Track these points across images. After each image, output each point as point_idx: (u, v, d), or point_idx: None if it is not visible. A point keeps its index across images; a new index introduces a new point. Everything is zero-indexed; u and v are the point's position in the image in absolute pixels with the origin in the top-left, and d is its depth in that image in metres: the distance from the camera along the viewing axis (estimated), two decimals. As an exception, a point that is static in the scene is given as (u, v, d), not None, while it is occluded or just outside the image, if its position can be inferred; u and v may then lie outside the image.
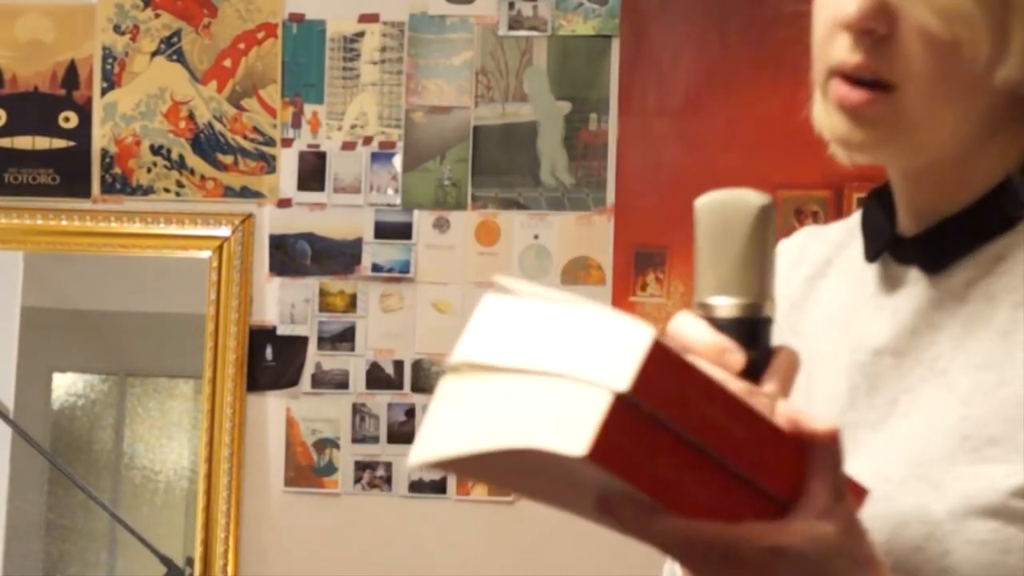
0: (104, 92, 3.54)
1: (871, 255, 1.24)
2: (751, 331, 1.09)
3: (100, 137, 3.53)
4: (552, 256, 3.42)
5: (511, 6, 3.47)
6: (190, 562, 3.42)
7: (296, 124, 3.51)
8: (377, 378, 3.45)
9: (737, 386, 1.04)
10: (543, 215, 3.44)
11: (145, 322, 3.69)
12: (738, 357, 1.06)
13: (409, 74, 3.49)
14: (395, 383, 3.44)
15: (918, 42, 1.14)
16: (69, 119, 3.54)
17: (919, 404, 1.18)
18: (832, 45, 1.16)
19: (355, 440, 3.43)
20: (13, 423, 3.49)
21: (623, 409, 0.96)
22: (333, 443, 3.44)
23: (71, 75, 3.54)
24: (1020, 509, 1.10)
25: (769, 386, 1.07)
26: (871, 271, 1.24)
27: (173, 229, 3.50)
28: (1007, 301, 1.17)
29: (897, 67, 1.14)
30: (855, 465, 1.08)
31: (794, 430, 1.02)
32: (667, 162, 3.40)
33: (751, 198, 1.09)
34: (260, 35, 3.52)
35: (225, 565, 3.41)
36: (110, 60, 3.54)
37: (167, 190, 3.52)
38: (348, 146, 3.50)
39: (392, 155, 3.49)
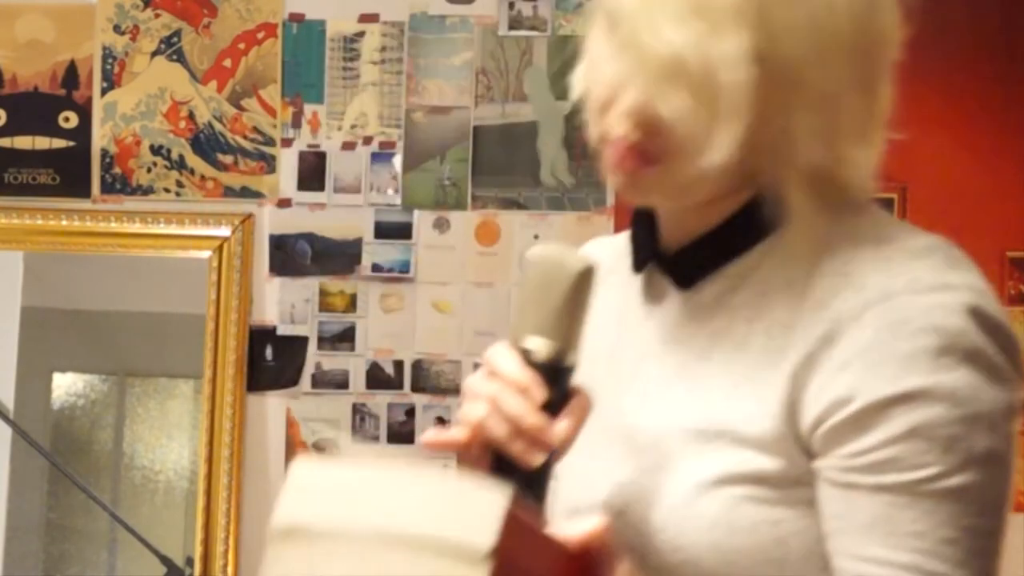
0: (104, 92, 3.54)
1: (637, 266, 1.39)
2: (555, 373, 1.24)
3: (100, 137, 3.53)
4: (552, 256, 3.42)
5: (511, 6, 3.47)
6: (190, 562, 3.42)
7: (296, 124, 3.51)
8: (377, 378, 3.45)
9: (535, 419, 1.22)
10: (543, 215, 3.44)
11: (145, 322, 3.69)
12: (541, 393, 1.23)
13: (409, 74, 3.49)
14: (395, 383, 3.44)
15: (677, 130, 1.27)
16: (69, 119, 3.54)
17: (662, 403, 1.34)
18: (605, 118, 1.30)
19: (355, 440, 3.43)
20: (13, 423, 3.49)
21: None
22: (333, 443, 3.44)
23: (71, 75, 3.55)
24: (737, 491, 1.26)
25: (563, 424, 1.23)
26: (638, 281, 1.40)
27: (173, 229, 3.50)
28: (742, 316, 1.31)
29: (664, 144, 1.27)
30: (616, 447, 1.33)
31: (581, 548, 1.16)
32: (667, 162, 3.40)
33: (574, 261, 1.26)
34: (260, 35, 3.52)
35: (225, 565, 3.41)
36: (110, 60, 3.54)
37: (167, 190, 3.52)
38: (348, 146, 3.50)
39: (392, 155, 3.49)
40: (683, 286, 1.35)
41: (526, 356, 1.25)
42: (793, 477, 1.25)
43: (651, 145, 1.28)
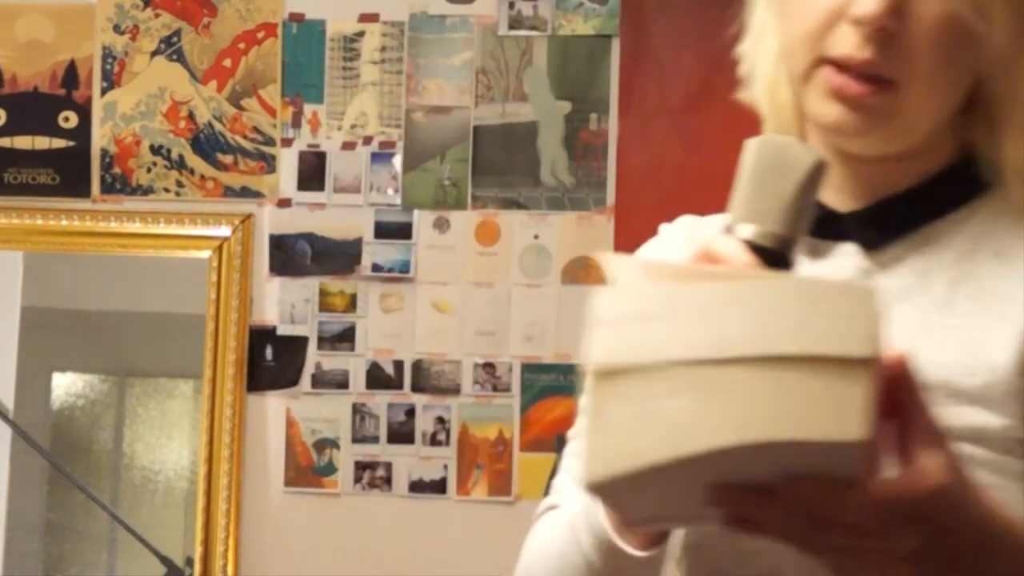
0: (104, 92, 3.54)
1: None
2: (780, 262, 1.11)
3: (100, 137, 3.53)
4: (552, 256, 3.42)
5: (511, 6, 3.47)
6: (190, 562, 3.42)
7: (296, 124, 3.50)
8: (377, 378, 3.44)
9: None
10: (543, 215, 3.44)
11: (145, 322, 3.68)
12: None
13: (409, 74, 3.49)
14: (395, 383, 3.44)
15: (927, 40, 1.18)
16: (69, 119, 3.54)
17: None
18: (830, 37, 1.19)
19: (355, 440, 3.43)
20: (13, 423, 3.49)
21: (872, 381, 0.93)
22: (333, 443, 3.43)
23: (71, 75, 3.54)
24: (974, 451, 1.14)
25: None
26: None
27: (173, 229, 3.50)
28: (943, 278, 1.22)
29: (902, 65, 1.18)
30: None
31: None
32: (667, 162, 3.40)
33: (810, 151, 1.13)
34: (260, 35, 3.52)
35: (225, 565, 3.41)
36: (110, 60, 3.54)
37: (167, 190, 3.52)
38: (348, 146, 3.50)
39: (392, 155, 3.48)
40: (871, 246, 1.25)
41: (750, 243, 1.11)
42: (1018, 439, 1.16)
43: (886, 66, 1.18)
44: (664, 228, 1.44)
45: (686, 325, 0.97)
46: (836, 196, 1.26)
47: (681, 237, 1.38)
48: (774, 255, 1.10)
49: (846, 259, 1.26)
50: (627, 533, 1.21)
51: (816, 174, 1.12)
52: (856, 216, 1.26)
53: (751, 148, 1.14)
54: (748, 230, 1.11)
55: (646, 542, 1.21)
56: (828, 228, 1.25)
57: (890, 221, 1.25)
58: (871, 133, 1.21)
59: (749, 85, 1.32)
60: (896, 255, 1.24)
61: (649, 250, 1.45)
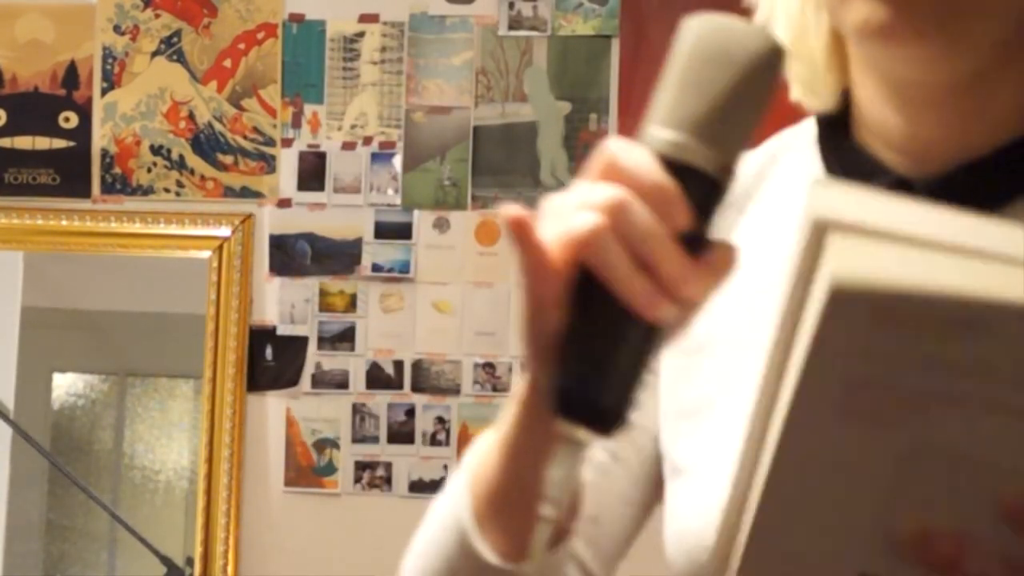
0: (104, 92, 3.54)
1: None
2: (706, 193, 0.84)
3: (100, 137, 3.53)
4: (552, 256, 3.42)
5: (511, 6, 3.47)
6: (190, 562, 3.42)
7: (296, 124, 3.51)
8: (377, 378, 3.45)
9: (673, 252, 0.82)
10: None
11: (145, 322, 3.69)
12: (684, 213, 0.83)
13: (409, 74, 3.49)
14: (395, 383, 3.44)
15: None
16: (69, 119, 3.54)
17: None
18: None
19: (355, 440, 3.43)
20: (13, 423, 3.49)
21: None
22: (333, 443, 3.44)
23: (71, 75, 3.54)
24: None
25: (698, 279, 0.84)
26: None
27: (173, 229, 3.50)
28: None
29: None
30: None
31: None
32: (667, 162, 3.40)
33: (759, 37, 0.86)
34: (260, 35, 3.52)
35: (225, 565, 3.41)
36: (110, 60, 3.54)
37: (167, 190, 3.52)
38: (348, 146, 3.50)
39: (392, 155, 3.49)
40: None
41: (665, 157, 0.85)
42: None
43: None
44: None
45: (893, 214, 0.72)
46: (899, 158, 1.03)
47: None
48: (697, 176, 0.84)
49: None
50: (492, 528, 1.00)
51: (765, 68, 0.85)
52: (929, 184, 0.99)
53: (684, 28, 0.87)
54: (662, 136, 0.86)
55: (514, 549, 0.98)
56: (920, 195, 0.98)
57: (972, 192, 0.97)
58: (912, 36, 0.96)
59: None
60: None
61: None
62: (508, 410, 0.95)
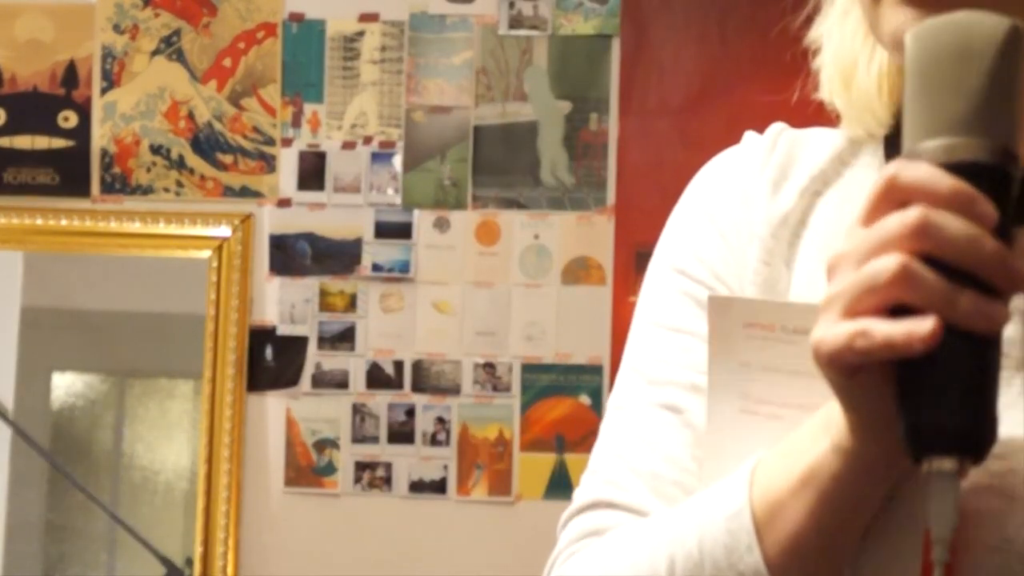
0: (104, 92, 3.54)
1: None
2: (997, 184, 0.83)
3: (100, 137, 3.53)
4: (552, 256, 3.42)
5: (511, 5, 3.46)
6: (190, 562, 3.42)
7: (296, 124, 3.50)
8: (377, 378, 3.44)
9: (993, 243, 0.80)
10: (543, 215, 3.44)
11: (145, 322, 3.68)
12: (990, 207, 0.80)
13: (409, 74, 3.49)
14: (395, 383, 3.44)
15: None
16: (69, 119, 3.54)
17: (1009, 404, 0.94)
18: None
19: (355, 440, 3.43)
20: (13, 423, 3.49)
21: None
22: (333, 443, 3.43)
23: (71, 75, 3.54)
24: None
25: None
26: None
27: (173, 229, 3.50)
28: None
29: None
30: None
31: None
32: (667, 162, 3.40)
33: (993, 20, 0.85)
34: (260, 35, 3.52)
35: (225, 565, 3.41)
36: (110, 60, 3.54)
37: (167, 190, 3.52)
38: (348, 146, 3.49)
39: (392, 155, 3.48)
40: None
41: (947, 164, 0.82)
42: None
43: None
44: (750, 136, 1.17)
45: None
46: None
47: (765, 148, 1.13)
48: (987, 171, 0.82)
49: None
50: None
51: (1011, 47, 0.84)
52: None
53: (910, 42, 0.86)
54: (931, 146, 0.82)
55: None
56: None
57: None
58: None
59: (821, 77, 1.10)
60: None
61: (728, 161, 1.16)
62: (803, 459, 0.92)
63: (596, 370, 3.37)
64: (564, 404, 3.37)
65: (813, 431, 0.92)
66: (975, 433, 0.82)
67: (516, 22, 3.47)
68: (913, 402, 0.83)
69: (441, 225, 3.46)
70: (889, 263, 0.80)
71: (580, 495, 1.09)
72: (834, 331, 0.82)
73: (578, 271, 3.41)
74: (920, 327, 0.79)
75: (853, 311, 0.82)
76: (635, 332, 1.13)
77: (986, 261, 0.79)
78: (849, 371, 0.83)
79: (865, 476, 0.88)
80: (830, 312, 0.83)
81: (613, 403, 1.12)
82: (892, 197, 0.82)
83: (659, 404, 1.07)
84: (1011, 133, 0.83)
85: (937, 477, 0.82)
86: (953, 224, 0.80)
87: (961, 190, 0.80)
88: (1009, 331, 0.89)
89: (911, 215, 0.80)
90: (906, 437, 0.83)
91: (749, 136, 1.16)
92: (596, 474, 1.08)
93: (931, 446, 0.83)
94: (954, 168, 0.82)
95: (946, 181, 0.80)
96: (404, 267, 3.45)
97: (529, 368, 3.39)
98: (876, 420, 0.85)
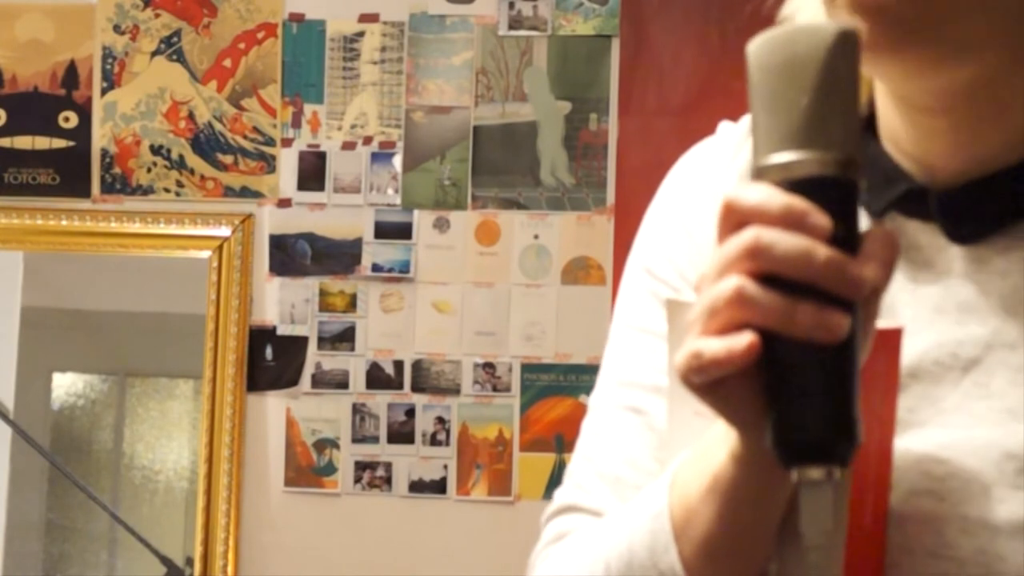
0: (104, 92, 3.54)
1: (878, 208, 0.99)
2: (837, 195, 0.83)
3: (100, 137, 3.53)
4: (552, 256, 3.42)
5: (511, 6, 3.47)
6: (190, 562, 3.42)
7: (296, 124, 3.51)
8: (377, 378, 3.45)
9: (825, 253, 0.81)
10: (543, 215, 3.44)
11: (145, 322, 3.68)
12: (823, 219, 0.82)
13: (409, 74, 3.49)
14: (395, 383, 3.44)
15: None
16: (69, 119, 3.54)
17: (952, 407, 0.96)
18: None
19: (355, 440, 3.43)
20: (13, 423, 3.49)
21: None
22: (333, 443, 3.43)
23: (71, 75, 3.54)
24: None
25: (867, 270, 0.82)
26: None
27: (173, 229, 3.50)
28: None
29: None
30: None
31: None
32: (667, 162, 3.38)
33: (823, 29, 0.84)
34: (260, 35, 3.52)
35: (225, 565, 3.41)
36: (110, 60, 3.54)
37: (167, 190, 3.52)
38: (348, 146, 3.50)
39: (392, 155, 3.49)
40: (969, 238, 0.95)
41: (783, 182, 0.83)
42: None
43: None
44: (724, 126, 1.19)
45: None
46: (915, 166, 0.99)
47: (739, 137, 1.14)
48: (821, 184, 0.83)
49: (938, 253, 0.97)
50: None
51: (839, 55, 0.84)
52: (941, 197, 0.97)
53: (751, 55, 0.88)
54: (781, 162, 0.83)
55: None
56: (911, 206, 0.98)
57: (999, 206, 0.95)
58: (889, 49, 0.91)
59: None
60: (1002, 246, 0.95)
61: (700, 155, 1.20)
62: (710, 464, 0.95)
63: (596, 370, 3.36)
64: (564, 404, 3.37)
65: (719, 435, 0.94)
66: (834, 441, 0.83)
67: (516, 22, 3.47)
68: (775, 413, 0.84)
69: (441, 225, 3.46)
70: (726, 287, 0.83)
71: (556, 498, 1.13)
72: (683, 351, 0.86)
73: (578, 271, 3.42)
74: (737, 342, 0.82)
75: (705, 332, 0.85)
76: (611, 332, 1.16)
77: (820, 271, 0.81)
78: (703, 388, 0.86)
79: (762, 479, 0.90)
80: (689, 334, 0.86)
81: (590, 403, 1.18)
82: (732, 220, 0.84)
83: (625, 406, 1.12)
84: (848, 140, 0.84)
85: (806, 486, 0.84)
86: (783, 240, 0.81)
87: (791, 207, 0.82)
88: (956, 333, 0.94)
89: (744, 237, 0.83)
90: (773, 447, 0.85)
91: (723, 126, 1.19)
92: (570, 477, 1.13)
93: (795, 456, 0.84)
94: (792, 185, 0.83)
95: (777, 200, 0.82)
96: (404, 267, 3.45)
97: (529, 368, 3.40)
98: (752, 429, 0.87)
